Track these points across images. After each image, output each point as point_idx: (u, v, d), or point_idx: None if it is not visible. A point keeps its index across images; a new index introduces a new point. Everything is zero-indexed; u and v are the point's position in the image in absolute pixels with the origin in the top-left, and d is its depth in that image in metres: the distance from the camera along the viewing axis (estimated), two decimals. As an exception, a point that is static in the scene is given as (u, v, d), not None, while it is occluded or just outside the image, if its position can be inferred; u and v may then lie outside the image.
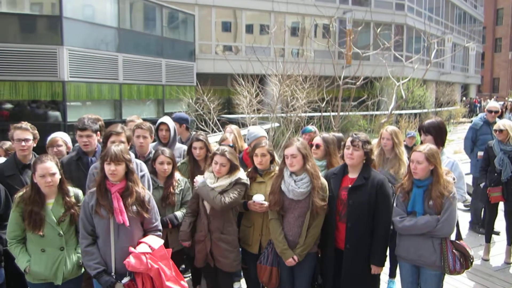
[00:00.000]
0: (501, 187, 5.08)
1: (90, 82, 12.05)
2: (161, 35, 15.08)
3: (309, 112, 11.03)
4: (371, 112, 15.20)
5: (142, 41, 14.23)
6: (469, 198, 6.61)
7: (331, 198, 3.34)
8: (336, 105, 12.60)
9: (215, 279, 3.67)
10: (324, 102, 11.31)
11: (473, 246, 5.49)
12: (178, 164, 4.15)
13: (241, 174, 3.52)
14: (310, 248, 3.34)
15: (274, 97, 10.71)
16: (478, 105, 33.39)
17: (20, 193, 3.09)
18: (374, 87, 15.75)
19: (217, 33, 20.66)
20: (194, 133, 4.77)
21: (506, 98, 25.34)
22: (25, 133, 3.65)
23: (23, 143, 3.64)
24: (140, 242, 3.04)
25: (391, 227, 3.38)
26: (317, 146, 3.94)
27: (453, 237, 3.32)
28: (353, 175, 3.37)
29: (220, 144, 4.17)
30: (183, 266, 4.57)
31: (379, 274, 3.37)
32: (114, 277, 2.98)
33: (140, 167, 3.61)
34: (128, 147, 3.57)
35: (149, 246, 3.01)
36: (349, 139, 3.36)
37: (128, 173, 3.06)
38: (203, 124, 9.62)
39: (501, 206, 5.38)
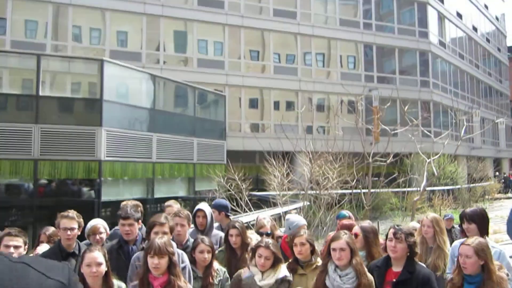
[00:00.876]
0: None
1: (125, 161, 12.46)
2: (193, 115, 15.72)
3: (340, 189, 10.97)
4: (402, 189, 14.96)
5: (175, 121, 14.83)
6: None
7: (376, 293, 3.23)
8: (367, 183, 12.52)
9: None
10: (355, 180, 11.27)
11: None
12: (216, 252, 4.13)
13: (285, 270, 3.47)
14: None
15: (305, 175, 10.75)
16: (513, 179, 32.38)
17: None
18: (403, 164, 15.64)
19: (245, 110, 21.39)
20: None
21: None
22: (71, 222, 3.75)
23: (69, 232, 3.73)
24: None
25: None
26: (356, 235, 3.88)
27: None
28: (397, 268, 3.27)
29: (257, 232, 4.17)
30: None
31: None
32: None
33: (182, 257, 3.61)
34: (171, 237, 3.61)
35: None
36: (391, 231, 3.31)
37: (171, 266, 3.07)
38: (235, 204, 9.65)
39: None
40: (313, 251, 3.64)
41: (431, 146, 14.81)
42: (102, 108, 11.88)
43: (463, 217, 4.05)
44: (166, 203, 5.31)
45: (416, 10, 25.69)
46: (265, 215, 4.76)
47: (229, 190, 10.41)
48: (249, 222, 8.83)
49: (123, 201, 4.89)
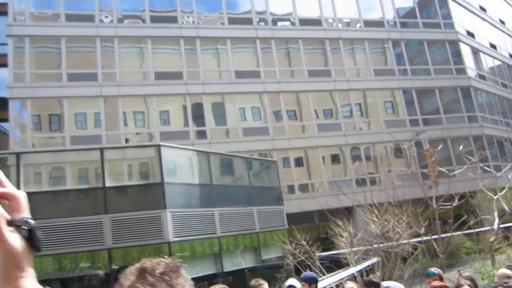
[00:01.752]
0: None
1: (192, 239, 12.78)
2: (248, 184, 16.08)
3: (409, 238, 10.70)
4: (475, 230, 14.29)
5: (233, 193, 15.21)
6: None
7: None
8: (435, 229, 12.13)
9: None
10: (423, 228, 10.98)
11: None
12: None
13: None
14: None
15: (372, 230, 10.61)
16: None
17: None
18: (469, 204, 15.08)
19: (295, 171, 21.56)
20: None
21: None
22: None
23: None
24: None
25: None
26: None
27: None
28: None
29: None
30: None
31: None
32: None
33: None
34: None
35: None
36: None
37: None
38: (307, 269, 9.59)
39: None
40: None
41: (495, 181, 14.29)
42: (165, 191, 12.43)
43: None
44: (256, 283, 5.40)
45: (448, 48, 25.81)
46: (352, 284, 4.82)
47: (298, 256, 10.39)
48: (326, 287, 8.76)
49: (195, 278, 5.08)
